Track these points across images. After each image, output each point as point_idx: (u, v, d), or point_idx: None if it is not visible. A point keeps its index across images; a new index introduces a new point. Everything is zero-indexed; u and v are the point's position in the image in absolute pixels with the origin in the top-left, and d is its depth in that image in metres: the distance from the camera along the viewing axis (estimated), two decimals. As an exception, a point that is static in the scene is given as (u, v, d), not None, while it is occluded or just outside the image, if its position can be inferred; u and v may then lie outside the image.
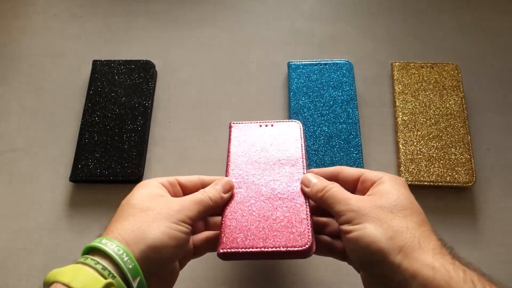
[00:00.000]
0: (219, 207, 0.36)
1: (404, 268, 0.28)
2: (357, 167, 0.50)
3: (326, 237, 0.38)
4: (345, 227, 0.31)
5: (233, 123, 0.45)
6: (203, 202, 0.35)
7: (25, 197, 0.52)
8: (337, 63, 0.57)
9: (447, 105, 0.54)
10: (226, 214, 0.37)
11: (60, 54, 0.61)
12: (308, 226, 0.35)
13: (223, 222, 0.36)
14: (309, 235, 0.34)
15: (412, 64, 0.57)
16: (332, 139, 0.52)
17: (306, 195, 0.37)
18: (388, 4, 0.64)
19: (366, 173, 0.36)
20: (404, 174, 0.50)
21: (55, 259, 0.48)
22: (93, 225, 0.50)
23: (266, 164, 0.40)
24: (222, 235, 0.35)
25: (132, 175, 0.51)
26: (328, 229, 0.39)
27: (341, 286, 0.46)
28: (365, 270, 0.32)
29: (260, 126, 0.44)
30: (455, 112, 0.53)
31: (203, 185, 0.39)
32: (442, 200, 0.50)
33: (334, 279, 0.47)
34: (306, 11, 0.64)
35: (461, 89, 0.55)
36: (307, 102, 0.55)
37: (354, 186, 0.37)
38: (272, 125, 0.44)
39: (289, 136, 0.43)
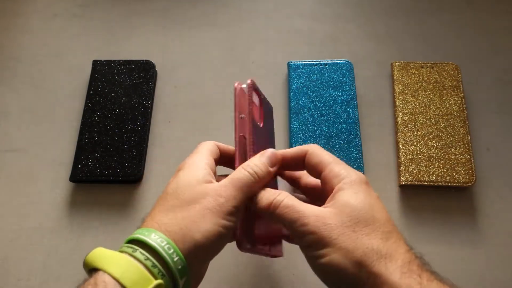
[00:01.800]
0: (264, 183, 0.32)
1: None
2: (357, 167, 0.51)
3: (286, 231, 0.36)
4: (308, 252, 0.29)
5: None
6: (249, 184, 0.31)
7: (25, 197, 0.52)
8: (337, 63, 0.57)
9: (447, 105, 0.54)
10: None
11: (60, 54, 0.61)
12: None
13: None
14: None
15: (412, 64, 0.57)
16: (332, 139, 0.52)
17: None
18: (388, 4, 0.64)
19: (329, 169, 0.32)
20: (404, 174, 0.50)
21: (55, 259, 0.48)
22: (93, 225, 0.50)
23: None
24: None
25: (132, 175, 0.51)
26: (302, 182, 0.36)
27: (341, 286, 0.46)
28: None
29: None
30: (455, 112, 0.53)
31: (222, 156, 0.36)
32: (442, 200, 0.50)
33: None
34: (306, 11, 0.64)
35: (461, 89, 0.55)
36: (307, 102, 0.55)
37: (302, 165, 0.34)
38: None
39: None
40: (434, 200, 0.50)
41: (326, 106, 0.54)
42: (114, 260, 0.26)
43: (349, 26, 0.62)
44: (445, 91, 0.55)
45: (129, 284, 0.25)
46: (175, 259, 0.27)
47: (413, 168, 0.50)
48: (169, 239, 0.27)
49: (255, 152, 0.33)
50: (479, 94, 0.57)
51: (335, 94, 0.55)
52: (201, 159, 0.33)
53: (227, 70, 0.60)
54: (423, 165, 0.50)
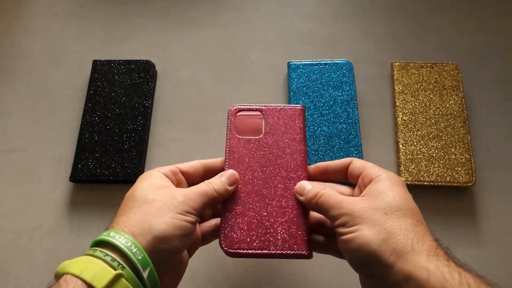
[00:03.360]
0: (223, 199, 0.36)
1: (397, 269, 0.28)
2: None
3: (321, 237, 0.38)
4: (339, 229, 0.31)
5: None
6: (208, 194, 0.34)
7: (25, 197, 0.52)
8: (337, 63, 0.57)
9: (447, 105, 0.54)
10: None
11: (60, 54, 0.61)
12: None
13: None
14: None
15: (412, 64, 0.57)
16: (332, 139, 0.52)
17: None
18: (388, 4, 0.64)
19: (368, 169, 0.35)
20: (404, 174, 0.50)
21: (55, 259, 0.48)
22: (93, 225, 0.50)
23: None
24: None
25: (132, 175, 0.51)
26: (326, 225, 0.39)
27: (341, 286, 0.46)
28: (359, 271, 0.32)
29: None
30: (455, 112, 0.53)
31: (205, 170, 0.39)
32: (442, 200, 0.50)
33: (334, 279, 0.47)
34: (306, 11, 0.64)
35: (461, 89, 0.55)
36: (307, 102, 0.55)
37: (345, 173, 0.37)
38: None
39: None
40: (434, 200, 0.50)
41: (326, 106, 0.54)
42: (76, 262, 0.28)
43: (349, 26, 0.62)
44: (445, 91, 0.55)
45: (90, 278, 0.27)
46: (134, 250, 0.29)
47: (413, 168, 0.50)
48: (126, 234, 0.30)
49: (231, 166, 0.38)
50: (479, 94, 0.57)
51: (335, 94, 0.55)
52: (157, 170, 0.36)
53: (227, 70, 0.60)
54: (423, 165, 0.50)
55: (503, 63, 0.59)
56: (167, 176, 0.36)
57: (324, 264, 0.47)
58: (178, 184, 0.37)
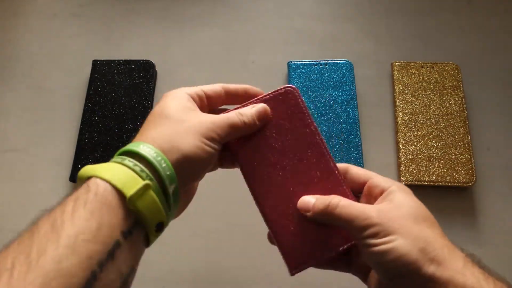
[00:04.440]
0: (250, 132, 0.35)
1: (437, 278, 0.28)
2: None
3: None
4: (370, 241, 0.30)
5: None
6: (236, 126, 0.33)
7: (25, 197, 0.52)
8: (337, 63, 0.57)
9: (447, 105, 0.54)
10: (275, 231, 0.34)
11: (60, 54, 0.61)
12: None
13: (279, 241, 0.34)
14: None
15: (412, 64, 0.57)
16: (332, 139, 0.52)
17: (310, 219, 0.34)
18: (388, 4, 0.64)
19: (374, 179, 0.34)
20: (404, 174, 0.50)
21: (55, 259, 0.48)
22: (93, 225, 0.50)
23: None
24: (285, 256, 0.34)
25: (132, 175, 0.51)
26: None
27: (341, 286, 0.46)
28: (393, 282, 0.31)
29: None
30: (455, 112, 0.53)
31: (227, 95, 0.37)
32: (442, 200, 0.50)
33: (333, 279, 0.47)
34: (306, 11, 0.64)
35: (461, 89, 0.55)
36: (307, 102, 0.55)
37: (360, 189, 0.35)
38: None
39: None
40: (434, 200, 0.50)
41: (326, 106, 0.54)
42: (104, 167, 0.27)
43: (349, 26, 0.62)
44: (445, 91, 0.55)
45: (120, 185, 0.26)
46: (163, 165, 0.28)
47: (413, 168, 0.50)
48: (156, 149, 0.29)
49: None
50: (479, 94, 0.57)
51: (335, 94, 0.55)
52: (184, 91, 0.36)
53: (227, 70, 0.60)
54: (423, 165, 0.50)
55: (503, 63, 0.59)
56: (193, 99, 0.35)
57: (324, 264, 0.47)
58: (201, 107, 0.36)
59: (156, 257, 0.48)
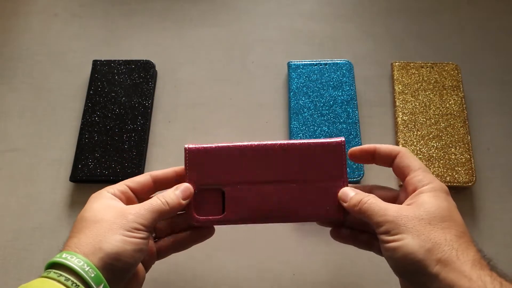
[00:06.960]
0: (176, 212, 0.36)
1: (442, 278, 0.29)
2: (357, 167, 0.51)
3: (365, 236, 0.38)
4: (383, 237, 0.32)
5: None
6: (159, 210, 0.35)
7: (25, 197, 0.52)
8: (337, 63, 0.57)
9: (447, 105, 0.54)
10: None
11: (60, 54, 0.61)
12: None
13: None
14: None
15: (412, 64, 0.57)
16: (332, 139, 0.52)
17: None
18: (388, 4, 0.64)
19: (412, 174, 0.35)
20: (404, 174, 0.50)
21: (55, 259, 0.48)
22: (93, 225, 0.50)
23: None
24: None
25: (132, 175, 0.51)
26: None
27: (341, 286, 0.46)
28: (402, 277, 0.33)
29: None
30: (455, 112, 0.53)
31: (156, 183, 0.38)
32: (442, 200, 0.50)
33: (334, 279, 0.47)
34: (306, 11, 0.64)
35: (461, 89, 0.55)
36: (307, 102, 0.55)
37: (391, 163, 0.37)
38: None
39: None
40: (434, 200, 0.50)
41: (326, 106, 0.54)
42: (31, 285, 0.30)
43: (349, 26, 0.62)
44: (445, 91, 0.55)
45: None
46: (86, 269, 0.30)
47: (413, 168, 0.50)
48: (79, 255, 0.31)
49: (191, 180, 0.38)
50: (479, 94, 0.57)
51: (335, 94, 0.55)
52: (106, 190, 0.37)
53: (227, 70, 0.60)
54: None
55: (503, 63, 0.59)
56: (116, 196, 0.36)
57: (324, 264, 0.47)
58: (128, 201, 0.37)
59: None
